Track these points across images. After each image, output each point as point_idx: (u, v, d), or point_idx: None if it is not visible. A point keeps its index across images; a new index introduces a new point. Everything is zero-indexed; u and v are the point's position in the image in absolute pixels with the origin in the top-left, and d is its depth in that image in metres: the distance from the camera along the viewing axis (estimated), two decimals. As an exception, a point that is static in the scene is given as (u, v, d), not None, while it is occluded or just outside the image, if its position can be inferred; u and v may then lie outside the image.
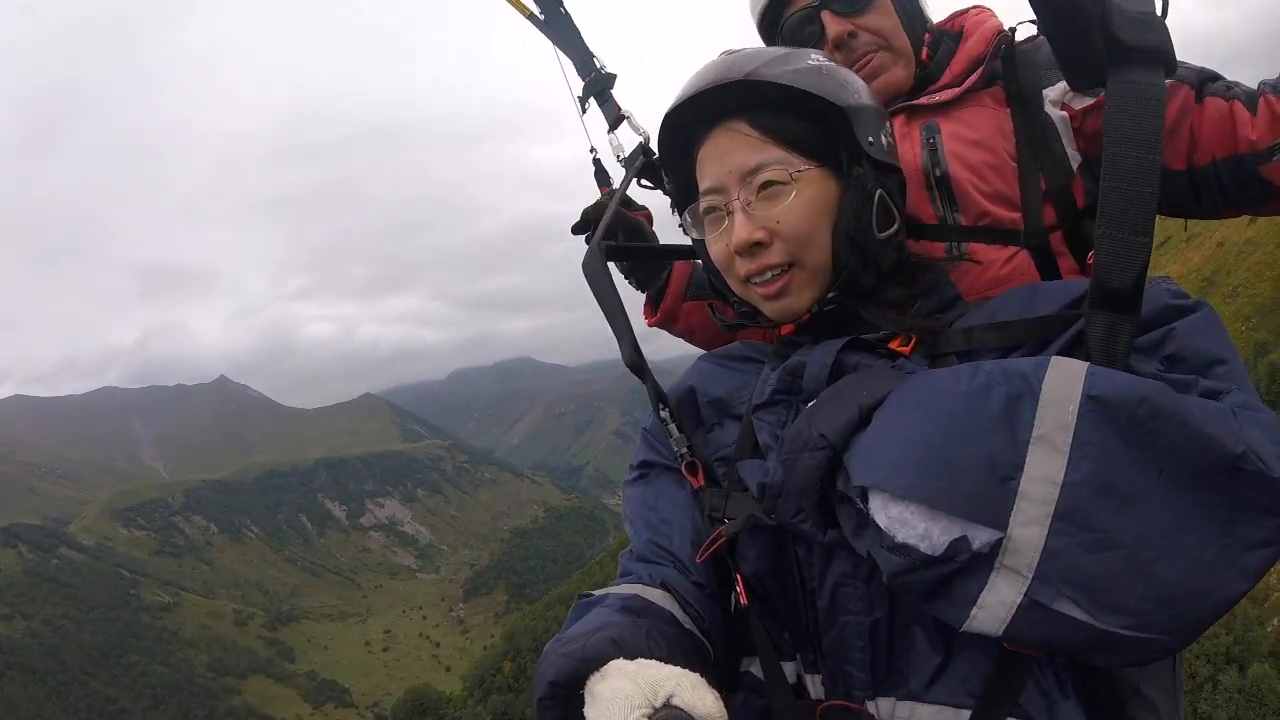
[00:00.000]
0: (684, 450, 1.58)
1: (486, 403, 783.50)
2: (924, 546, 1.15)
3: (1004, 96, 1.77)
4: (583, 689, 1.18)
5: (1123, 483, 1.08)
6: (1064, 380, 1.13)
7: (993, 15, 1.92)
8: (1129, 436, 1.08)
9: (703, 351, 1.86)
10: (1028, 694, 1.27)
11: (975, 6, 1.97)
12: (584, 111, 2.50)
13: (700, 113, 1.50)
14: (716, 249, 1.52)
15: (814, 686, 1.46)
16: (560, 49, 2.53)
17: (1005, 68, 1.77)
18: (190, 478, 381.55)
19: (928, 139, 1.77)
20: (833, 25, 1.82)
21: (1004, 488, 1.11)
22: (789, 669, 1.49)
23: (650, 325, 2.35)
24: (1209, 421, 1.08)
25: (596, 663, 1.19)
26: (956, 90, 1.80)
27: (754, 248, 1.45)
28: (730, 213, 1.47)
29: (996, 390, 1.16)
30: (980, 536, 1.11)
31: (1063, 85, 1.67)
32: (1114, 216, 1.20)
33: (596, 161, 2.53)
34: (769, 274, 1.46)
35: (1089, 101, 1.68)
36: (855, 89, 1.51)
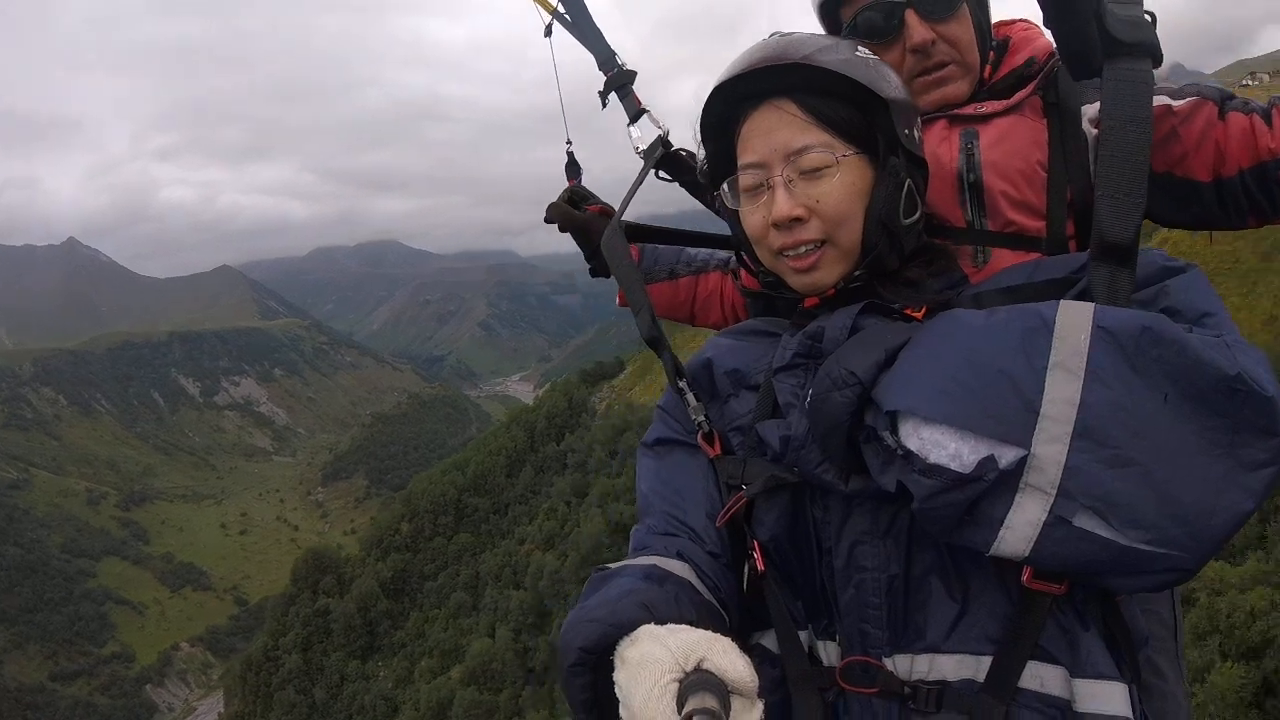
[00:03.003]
0: (701, 419, 1.64)
1: (347, 284, 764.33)
2: (955, 465, 1.22)
3: (1042, 107, 1.84)
4: (612, 655, 1.21)
5: (1134, 405, 1.17)
6: (1075, 316, 1.24)
7: (1041, 32, 1.96)
8: (1136, 362, 1.18)
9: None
10: (1048, 634, 1.34)
11: (1022, 20, 2.04)
12: (605, 105, 2.59)
13: (748, 89, 1.57)
14: (753, 220, 1.59)
15: (826, 654, 1.51)
16: (583, 44, 2.65)
17: (1048, 83, 1.86)
18: (37, 346, 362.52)
19: (966, 145, 1.84)
20: (918, 30, 1.84)
21: (1027, 409, 1.20)
22: (802, 638, 1.54)
23: (620, 305, 2.35)
24: (1206, 348, 1.18)
25: (627, 627, 1.21)
26: (1002, 104, 1.86)
27: (793, 223, 1.52)
28: (772, 187, 1.54)
29: (1014, 325, 1.27)
30: (1007, 455, 1.20)
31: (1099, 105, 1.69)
32: (1113, 181, 1.38)
33: (570, 155, 2.64)
34: (803, 249, 1.53)
35: None
36: (895, 83, 1.59)
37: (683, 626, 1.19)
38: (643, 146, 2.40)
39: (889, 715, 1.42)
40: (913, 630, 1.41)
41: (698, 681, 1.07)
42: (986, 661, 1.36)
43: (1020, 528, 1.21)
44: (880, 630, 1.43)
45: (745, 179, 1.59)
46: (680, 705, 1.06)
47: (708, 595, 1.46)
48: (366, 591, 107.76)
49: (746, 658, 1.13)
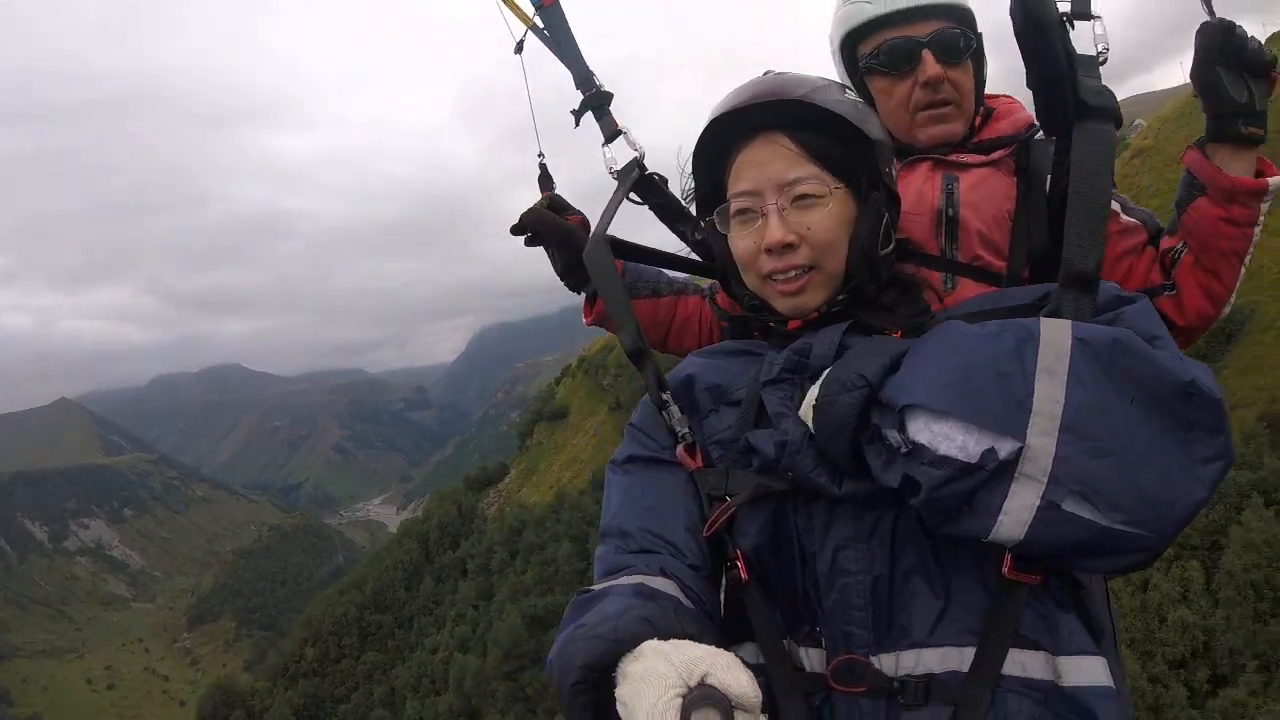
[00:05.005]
0: (685, 430, 1.72)
1: (192, 413, 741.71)
2: (962, 456, 1.34)
3: (1014, 168, 2.18)
4: (613, 672, 1.23)
5: (1107, 405, 1.33)
6: (1056, 329, 1.40)
7: (1022, 107, 2.32)
8: (1108, 369, 1.34)
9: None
10: (1028, 623, 1.47)
11: (1006, 95, 2.37)
12: (577, 124, 2.62)
13: (742, 123, 1.72)
14: (743, 245, 1.72)
15: (809, 660, 1.58)
16: (561, 60, 2.65)
17: (1021, 149, 2.19)
18: None
19: (947, 186, 2.15)
20: (932, 66, 2.14)
21: (1020, 406, 1.34)
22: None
23: (587, 323, 2.57)
24: (1166, 359, 1.35)
25: (630, 643, 1.23)
26: (983, 158, 2.19)
27: (784, 249, 1.65)
28: (764, 215, 1.67)
29: (1006, 335, 1.41)
30: (1005, 446, 1.33)
31: None
32: (1080, 220, 1.59)
33: (542, 166, 2.65)
34: (793, 273, 1.67)
35: None
36: (878, 125, 1.77)
37: (686, 642, 1.22)
38: (616, 167, 2.47)
39: (875, 713, 1.49)
40: (897, 629, 1.51)
41: (701, 697, 1.09)
42: (970, 653, 1.46)
43: (1017, 513, 1.33)
44: (865, 631, 1.52)
45: (737, 205, 1.71)
46: None
47: (694, 610, 1.51)
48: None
49: (750, 673, 1.16)
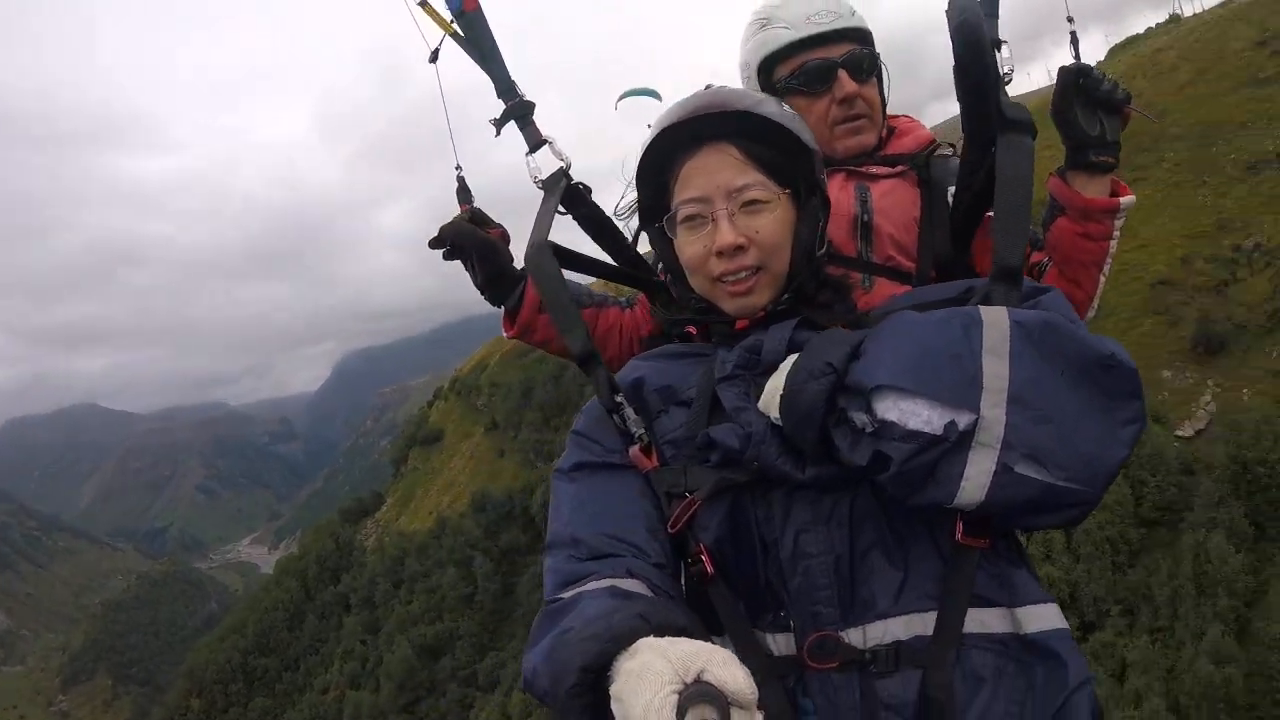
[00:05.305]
0: (641, 431, 1.77)
1: (48, 458, 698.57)
2: (929, 429, 1.45)
3: (917, 180, 2.41)
4: (606, 674, 1.23)
5: (1042, 378, 1.47)
6: (995, 314, 1.53)
7: (922, 125, 2.57)
8: (1040, 347, 1.48)
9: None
10: (982, 582, 1.60)
11: (905, 115, 2.62)
12: (498, 134, 2.60)
13: (688, 133, 1.81)
14: (692, 250, 1.80)
15: (776, 645, 1.65)
16: (482, 67, 2.60)
17: (923, 164, 2.42)
18: None
19: (860, 194, 2.36)
20: (848, 83, 2.37)
21: (973, 383, 1.46)
22: None
23: (509, 337, 2.59)
24: (1088, 337, 1.50)
25: (626, 640, 1.24)
26: (890, 170, 2.43)
27: (735, 251, 1.74)
28: (714, 220, 1.75)
29: (954, 321, 1.53)
30: (963, 419, 1.44)
31: None
32: (1006, 221, 1.70)
33: (460, 179, 2.62)
34: (742, 274, 1.76)
35: None
36: (812, 136, 1.88)
37: (682, 638, 1.22)
38: (541, 177, 2.45)
39: (849, 686, 1.57)
40: (860, 604, 1.60)
41: (697, 693, 1.09)
42: (932, 617, 1.58)
43: (977, 478, 1.45)
44: (832, 609, 1.59)
45: (685, 211, 1.79)
46: (680, 717, 1.07)
47: (679, 606, 1.53)
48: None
49: (746, 669, 1.16)
